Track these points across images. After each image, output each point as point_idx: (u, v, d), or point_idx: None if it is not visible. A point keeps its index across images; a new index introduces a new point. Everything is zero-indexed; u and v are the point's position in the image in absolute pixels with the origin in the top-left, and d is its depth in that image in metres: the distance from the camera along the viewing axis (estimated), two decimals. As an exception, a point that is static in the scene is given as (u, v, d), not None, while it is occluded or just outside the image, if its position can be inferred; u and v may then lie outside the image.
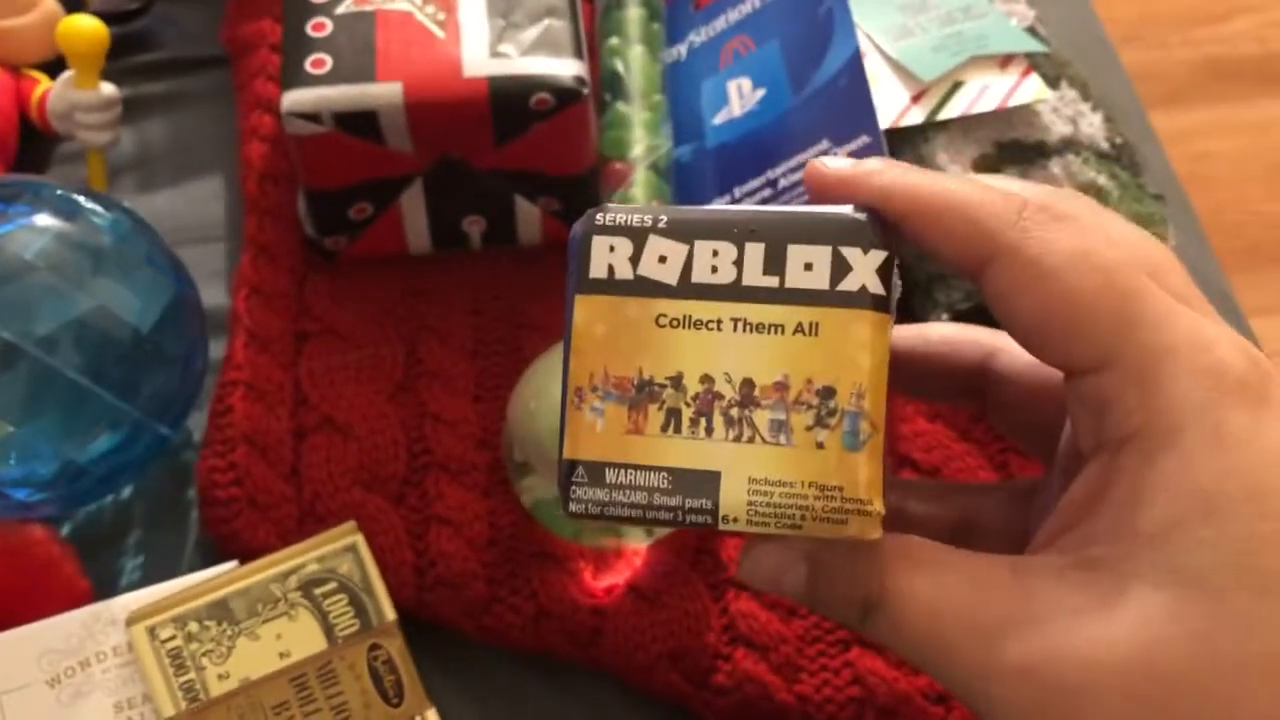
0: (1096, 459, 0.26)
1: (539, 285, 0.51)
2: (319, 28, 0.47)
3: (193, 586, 0.42)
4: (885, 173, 0.27)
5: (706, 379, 0.26)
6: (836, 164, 0.28)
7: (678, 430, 0.26)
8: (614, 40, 0.53)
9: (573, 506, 0.26)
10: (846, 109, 0.47)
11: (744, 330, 0.26)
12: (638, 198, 0.48)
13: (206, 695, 0.40)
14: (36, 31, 0.56)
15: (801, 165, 0.47)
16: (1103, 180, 0.50)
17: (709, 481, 0.26)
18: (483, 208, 0.50)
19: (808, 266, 0.25)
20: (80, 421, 0.42)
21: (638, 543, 0.44)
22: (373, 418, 0.46)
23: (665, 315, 0.26)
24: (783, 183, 0.48)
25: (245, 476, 0.45)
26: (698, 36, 0.55)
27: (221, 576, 0.42)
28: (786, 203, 0.47)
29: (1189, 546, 0.24)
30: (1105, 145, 0.52)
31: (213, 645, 0.41)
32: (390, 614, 0.42)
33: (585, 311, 0.26)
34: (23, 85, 0.56)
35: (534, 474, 0.43)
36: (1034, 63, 0.53)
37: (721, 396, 0.26)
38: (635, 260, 0.26)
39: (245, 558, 0.44)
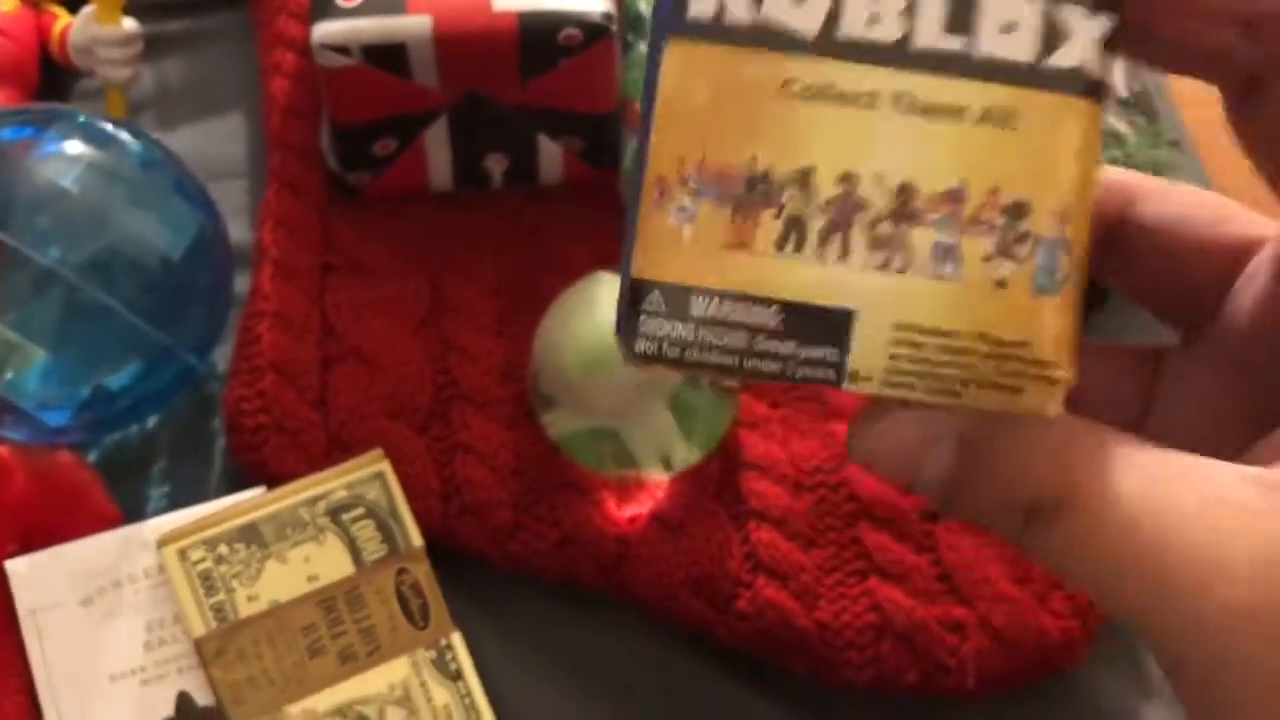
0: None
1: (561, 225, 0.51)
2: (348, -40, 0.47)
3: (222, 510, 0.42)
4: None
5: (848, 178, 0.19)
6: None
7: (800, 248, 0.19)
8: (637, -18, 0.53)
9: (640, 345, 0.19)
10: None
11: (909, 112, 0.19)
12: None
13: (236, 616, 0.41)
14: (57, -35, 0.56)
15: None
16: (1121, 127, 0.51)
17: (838, 323, 0.19)
18: (506, 145, 0.50)
19: (1007, 27, 0.18)
20: (111, 347, 0.43)
21: (660, 475, 0.45)
22: (398, 350, 0.47)
23: (797, 81, 0.19)
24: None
25: (273, 404, 0.46)
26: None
27: (250, 501, 0.43)
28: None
29: None
30: (1125, 93, 0.52)
31: (242, 568, 0.42)
32: (417, 539, 0.43)
33: (680, 66, 0.19)
34: (44, 19, 0.56)
35: (560, 407, 0.44)
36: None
37: (867, 205, 0.19)
38: None
39: (272, 484, 0.44)
